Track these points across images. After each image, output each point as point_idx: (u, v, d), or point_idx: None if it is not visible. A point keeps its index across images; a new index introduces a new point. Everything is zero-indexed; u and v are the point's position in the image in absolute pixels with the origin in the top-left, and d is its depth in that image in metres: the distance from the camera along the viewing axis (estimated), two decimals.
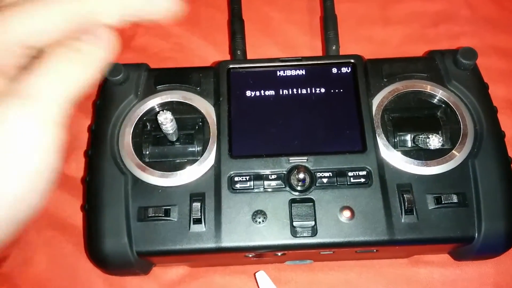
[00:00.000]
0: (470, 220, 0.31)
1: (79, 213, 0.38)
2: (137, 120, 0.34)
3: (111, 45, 0.23)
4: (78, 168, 0.39)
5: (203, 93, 0.35)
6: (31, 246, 0.37)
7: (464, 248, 0.33)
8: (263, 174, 0.32)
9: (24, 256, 0.36)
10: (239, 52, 0.39)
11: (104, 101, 0.35)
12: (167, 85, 0.35)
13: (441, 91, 0.35)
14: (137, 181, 0.32)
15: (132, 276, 0.35)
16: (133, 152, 0.33)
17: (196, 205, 0.31)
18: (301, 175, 0.32)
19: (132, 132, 0.34)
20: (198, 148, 0.34)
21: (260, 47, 0.45)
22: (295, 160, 0.33)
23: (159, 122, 0.31)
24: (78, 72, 0.22)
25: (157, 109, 0.35)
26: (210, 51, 0.45)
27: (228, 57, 0.43)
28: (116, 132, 0.34)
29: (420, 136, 0.34)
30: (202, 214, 0.31)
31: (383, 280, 0.35)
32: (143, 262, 0.32)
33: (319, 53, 0.45)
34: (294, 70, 0.36)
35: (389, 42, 0.46)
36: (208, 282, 0.35)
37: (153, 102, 0.35)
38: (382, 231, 0.31)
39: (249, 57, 0.40)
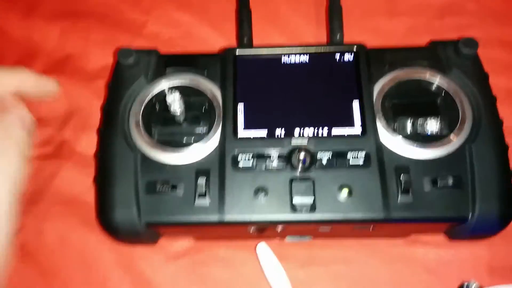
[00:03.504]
0: (464, 201, 0.32)
1: (89, 190, 0.39)
2: (147, 101, 0.36)
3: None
4: (88, 146, 0.41)
5: (210, 78, 0.37)
6: (43, 218, 0.39)
7: (458, 227, 0.34)
8: (266, 154, 0.34)
9: (37, 227, 0.38)
10: (245, 40, 0.41)
11: (116, 82, 0.37)
12: (176, 69, 0.37)
13: (441, 79, 0.37)
14: (146, 158, 0.34)
15: (140, 245, 0.37)
16: (143, 131, 0.35)
17: (201, 180, 0.33)
18: (302, 156, 0.33)
19: (142, 112, 0.35)
20: (204, 129, 0.36)
21: (267, 36, 0.46)
22: (296, 141, 0.34)
23: (168, 102, 0.33)
24: None
25: (166, 92, 0.36)
26: (218, 39, 0.46)
27: (235, 45, 0.44)
28: (127, 111, 0.36)
29: (419, 120, 0.35)
30: (207, 189, 0.33)
31: (380, 258, 0.37)
32: (150, 232, 0.34)
33: (324, 43, 0.46)
34: (298, 57, 0.37)
35: (395, 33, 0.47)
36: (212, 254, 0.37)
37: (162, 84, 0.37)
38: (379, 209, 0.32)
39: (255, 45, 0.41)
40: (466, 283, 0.34)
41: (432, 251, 0.37)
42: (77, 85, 0.44)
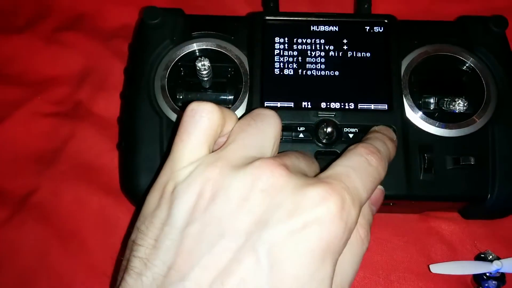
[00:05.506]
0: (485, 181, 0.33)
1: (107, 152, 0.39)
2: (173, 65, 0.35)
3: None
4: (106, 107, 0.40)
5: (237, 43, 0.36)
6: (60, 180, 0.38)
7: (475, 207, 0.35)
8: (292, 125, 0.33)
9: (54, 188, 0.38)
10: (272, 4, 0.39)
11: (141, 44, 0.36)
12: (203, 32, 0.36)
13: (468, 57, 0.36)
14: (171, 123, 0.33)
15: None
16: (168, 96, 0.34)
17: None
18: (329, 129, 0.33)
19: (168, 76, 0.34)
20: (229, 97, 0.35)
21: (291, 2, 0.45)
22: (323, 114, 0.34)
23: (197, 68, 0.32)
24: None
25: (192, 56, 0.35)
26: (241, 3, 0.45)
27: (259, 10, 0.43)
28: (152, 75, 0.35)
29: (446, 99, 0.35)
30: None
31: (393, 230, 0.37)
32: None
33: (350, 11, 0.45)
34: (327, 26, 0.37)
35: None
36: None
37: (188, 48, 0.35)
38: (401, 186, 0.32)
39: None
40: (482, 254, 0.35)
41: (446, 225, 0.37)
42: (94, 44, 0.42)
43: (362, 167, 0.23)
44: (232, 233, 0.18)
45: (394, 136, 0.30)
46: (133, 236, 0.21)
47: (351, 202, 0.20)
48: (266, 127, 0.23)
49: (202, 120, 0.22)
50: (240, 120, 0.24)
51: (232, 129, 0.23)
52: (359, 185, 0.22)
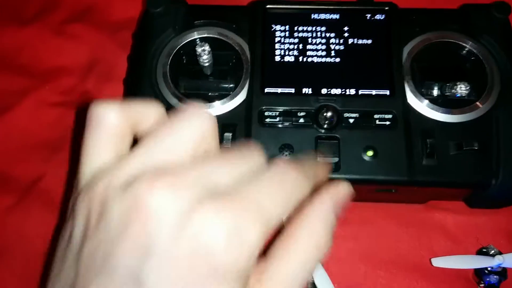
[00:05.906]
0: (488, 167, 0.33)
1: None
2: (175, 53, 0.35)
3: None
4: (112, 98, 0.41)
5: (239, 31, 0.36)
6: (67, 167, 0.39)
7: (479, 194, 0.34)
8: (292, 111, 0.34)
9: (60, 175, 0.39)
10: None
11: (144, 32, 0.36)
12: (205, 21, 0.37)
13: (471, 43, 0.36)
14: (173, 109, 0.34)
15: None
16: (170, 83, 0.34)
17: (228, 135, 0.33)
18: (329, 114, 0.33)
19: (170, 64, 0.35)
20: (231, 84, 0.35)
21: None
22: (324, 99, 0.34)
23: (197, 53, 0.33)
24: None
25: (194, 44, 0.36)
26: None
27: None
28: (154, 62, 0.35)
29: (448, 83, 0.34)
30: (233, 144, 0.33)
31: (397, 220, 0.37)
32: None
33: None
34: (328, 14, 0.37)
35: None
36: None
37: (190, 36, 0.36)
38: (403, 171, 0.32)
39: None
40: (484, 248, 0.35)
41: (450, 216, 0.37)
42: (101, 35, 0.43)
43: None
44: (115, 265, 0.16)
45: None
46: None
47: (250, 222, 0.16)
48: (182, 127, 0.19)
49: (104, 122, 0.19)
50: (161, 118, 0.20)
51: (150, 127, 0.20)
52: (266, 201, 0.17)
